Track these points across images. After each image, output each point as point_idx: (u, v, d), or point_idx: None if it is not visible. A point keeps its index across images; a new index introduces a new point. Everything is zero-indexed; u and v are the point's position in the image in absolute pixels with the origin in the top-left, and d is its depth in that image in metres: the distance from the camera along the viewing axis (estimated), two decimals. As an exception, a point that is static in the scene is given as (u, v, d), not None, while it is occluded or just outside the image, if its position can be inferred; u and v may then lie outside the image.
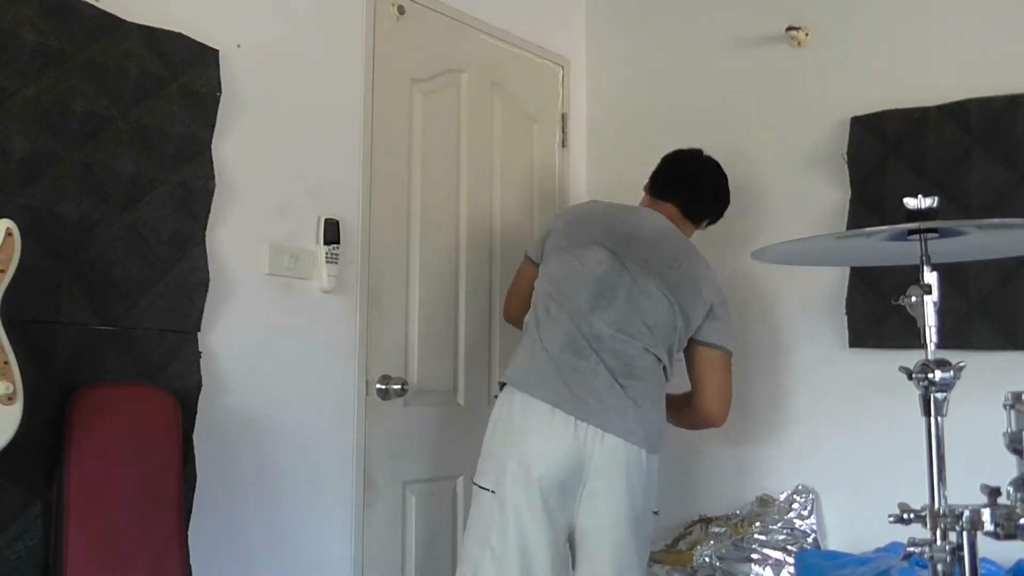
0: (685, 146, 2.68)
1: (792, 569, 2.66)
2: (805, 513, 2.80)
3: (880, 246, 1.82)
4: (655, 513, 2.30)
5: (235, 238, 2.36)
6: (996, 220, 1.69)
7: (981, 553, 1.55)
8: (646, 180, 2.64)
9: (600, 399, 2.19)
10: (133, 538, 1.96)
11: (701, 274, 2.41)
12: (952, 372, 1.60)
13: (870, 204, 2.79)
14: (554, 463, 2.15)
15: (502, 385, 2.30)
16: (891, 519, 1.62)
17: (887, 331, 2.67)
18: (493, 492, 2.17)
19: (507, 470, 2.16)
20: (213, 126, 2.31)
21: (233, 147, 2.36)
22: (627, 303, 2.29)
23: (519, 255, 3.24)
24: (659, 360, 2.31)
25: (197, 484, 2.18)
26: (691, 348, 2.40)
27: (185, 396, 2.18)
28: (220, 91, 2.32)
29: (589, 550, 2.22)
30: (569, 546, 2.24)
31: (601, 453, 2.16)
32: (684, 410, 2.46)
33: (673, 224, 2.48)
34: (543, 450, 2.16)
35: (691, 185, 2.57)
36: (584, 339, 2.24)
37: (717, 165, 2.63)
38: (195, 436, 2.19)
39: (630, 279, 2.31)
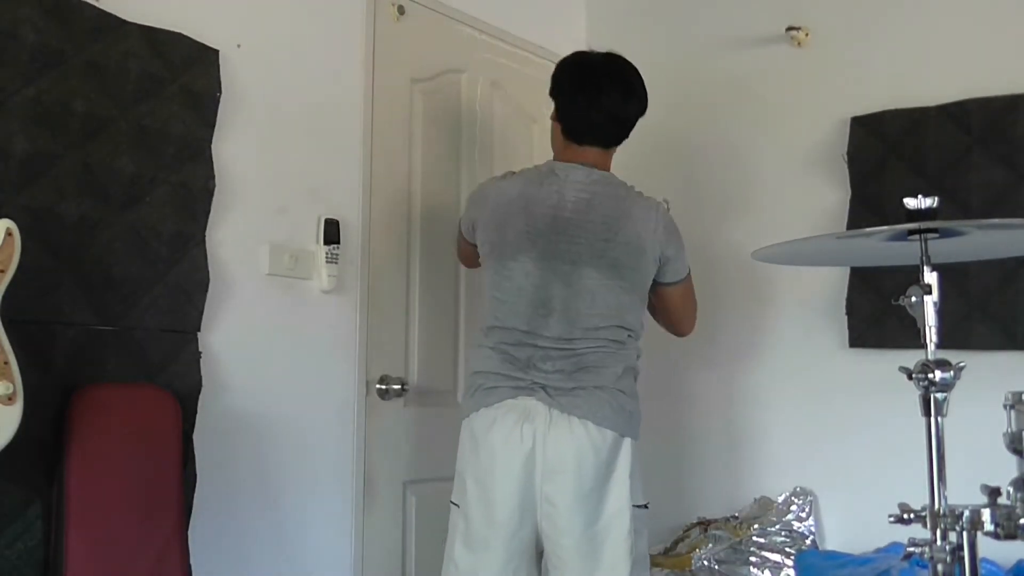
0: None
1: (791, 572, 2.66)
2: (803, 515, 2.80)
3: (880, 246, 1.82)
4: (642, 507, 2.14)
5: (235, 238, 2.36)
6: (996, 220, 1.69)
7: (981, 553, 1.55)
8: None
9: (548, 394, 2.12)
10: (133, 538, 1.96)
11: (640, 229, 2.20)
12: (952, 372, 1.60)
13: (870, 204, 2.79)
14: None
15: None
16: (891, 519, 1.62)
17: (887, 331, 2.67)
18: None
19: None
20: (213, 126, 2.31)
21: (233, 147, 2.36)
22: (564, 310, 2.15)
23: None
24: (622, 328, 2.19)
25: (197, 484, 2.18)
26: (653, 287, 2.28)
27: (185, 396, 2.18)
28: (220, 91, 2.32)
29: (557, 557, 2.13)
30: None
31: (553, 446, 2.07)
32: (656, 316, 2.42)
33: (598, 174, 2.26)
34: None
35: (612, 119, 2.29)
36: (527, 360, 2.14)
37: (629, 70, 2.34)
38: (195, 436, 2.19)
39: (562, 284, 2.16)
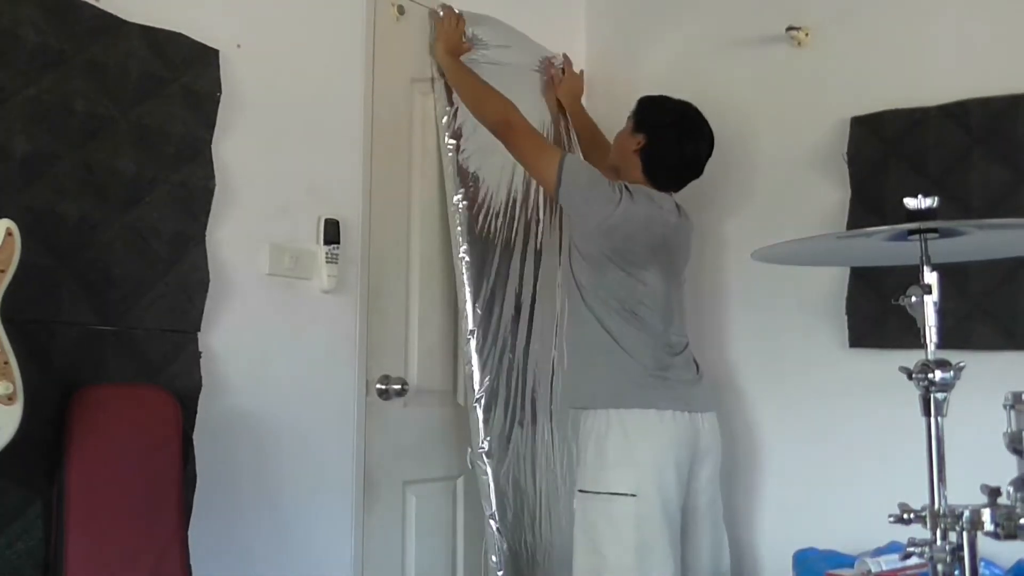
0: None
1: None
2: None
3: (880, 246, 1.82)
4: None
5: (235, 238, 2.36)
6: (996, 220, 1.69)
7: (981, 553, 1.55)
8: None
9: (692, 390, 2.57)
10: (134, 538, 1.96)
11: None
12: (952, 372, 1.60)
13: (870, 204, 2.79)
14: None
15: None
16: (891, 519, 1.62)
17: (887, 331, 2.66)
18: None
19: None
20: (213, 126, 2.31)
21: (233, 147, 2.36)
22: (679, 311, 2.64)
23: (519, 255, 3.21)
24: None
25: (197, 484, 2.18)
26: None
27: (185, 396, 2.18)
28: (220, 91, 2.32)
29: (700, 526, 2.53)
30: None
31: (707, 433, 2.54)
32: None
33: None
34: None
35: (696, 175, 2.73)
36: (665, 353, 2.55)
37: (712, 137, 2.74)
38: (195, 436, 2.19)
39: (677, 291, 2.65)
